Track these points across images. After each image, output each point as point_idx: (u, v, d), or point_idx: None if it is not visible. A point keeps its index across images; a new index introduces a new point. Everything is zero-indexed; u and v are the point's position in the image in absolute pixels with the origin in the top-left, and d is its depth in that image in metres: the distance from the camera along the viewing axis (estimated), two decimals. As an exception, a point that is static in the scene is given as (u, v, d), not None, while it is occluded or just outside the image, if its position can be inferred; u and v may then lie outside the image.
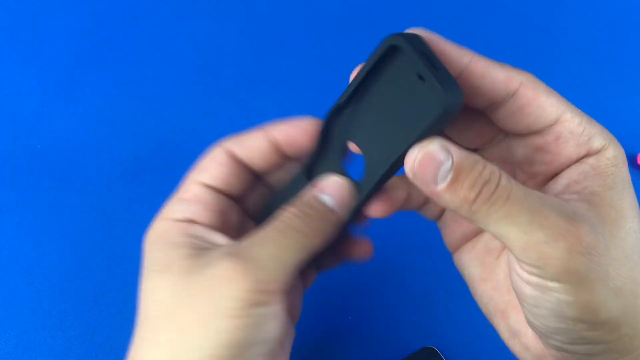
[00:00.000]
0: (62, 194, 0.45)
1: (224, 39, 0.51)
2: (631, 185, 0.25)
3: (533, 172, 0.27)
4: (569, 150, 0.25)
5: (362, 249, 0.30)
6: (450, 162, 0.22)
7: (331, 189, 0.27)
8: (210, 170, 0.28)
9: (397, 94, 0.24)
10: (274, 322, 0.24)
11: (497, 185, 0.22)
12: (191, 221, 0.27)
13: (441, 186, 0.23)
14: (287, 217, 0.26)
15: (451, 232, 0.29)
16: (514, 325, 0.28)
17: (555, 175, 0.26)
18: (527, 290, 0.24)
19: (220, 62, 0.50)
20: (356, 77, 0.25)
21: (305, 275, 0.31)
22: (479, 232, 0.29)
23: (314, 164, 0.28)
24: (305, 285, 0.31)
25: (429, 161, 0.23)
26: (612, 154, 0.25)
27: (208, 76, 0.50)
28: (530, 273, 0.23)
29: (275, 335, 0.25)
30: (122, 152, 0.46)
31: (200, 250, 0.25)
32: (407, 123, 0.24)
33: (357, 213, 0.27)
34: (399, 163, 0.24)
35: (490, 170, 0.22)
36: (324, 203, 0.26)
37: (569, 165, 0.25)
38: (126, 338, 0.30)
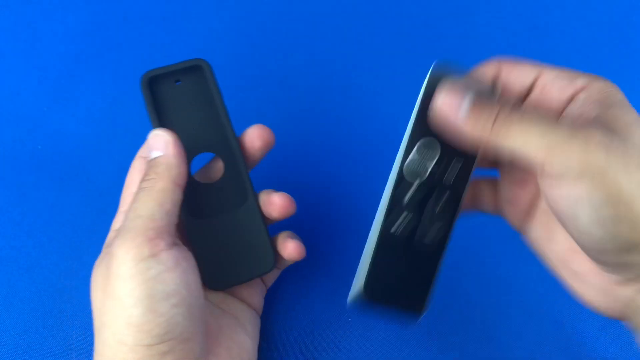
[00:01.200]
0: (63, 194, 0.45)
1: (223, 38, 0.51)
2: (630, 106, 0.26)
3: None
4: (556, 93, 0.27)
5: (292, 249, 0.33)
6: (470, 96, 0.25)
7: (152, 144, 0.31)
8: (137, 182, 0.32)
9: None
10: (172, 272, 0.27)
11: (512, 108, 0.25)
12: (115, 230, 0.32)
13: (464, 113, 0.25)
14: (140, 186, 0.30)
15: (513, 214, 0.31)
16: (576, 268, 0.28)
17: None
18: (563, 206, 0.24)
19: (221, 62, 0.50)
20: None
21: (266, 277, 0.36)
22: (533, 203, 0.30)
23: None
24: (265, 284, 0.36)
25: (453, 95, 0.26)
26: (600, 84, 0.26)
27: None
28: (558, 179, 0.24)
29: (178, 284, 0.27)
30: (122, 152, 0.46)
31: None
32: None
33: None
34: None
35: (504, 100, 0.25)
36: (152, 157, 0.31)
37: (563, 109, 0.27)
38: None
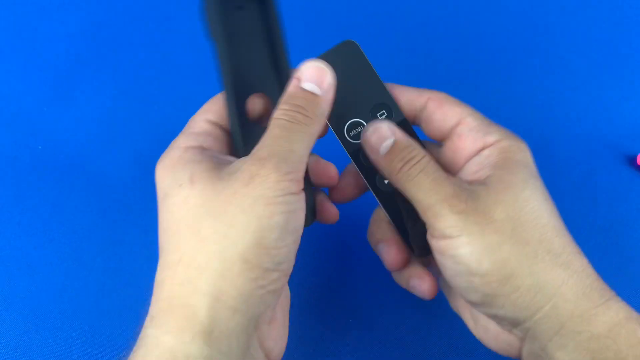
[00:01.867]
0: (63, 194, 0.45)
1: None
2: (527, 166, 0.30)
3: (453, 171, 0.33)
4: (468, 144, 0.31)
5: (331, 212, 0.34)
6: (392, 139, 0.31)
7: (309, 74, 0.30)
8: (214, 110, 0.32)
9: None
10: (301, 213, 0.29)
11: (418, 162, 0.30)
12: (204, 148, 0.30)
13: (382, 153, 0.31)
14: (283, 114, 0.29)
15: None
16: (474, 313, 0.32)
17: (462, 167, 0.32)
18: (437, 258, 0.29)
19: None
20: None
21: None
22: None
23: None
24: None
25: (380, 134, 0.31)
26: (506, 144, 0.30)
27: (208, 75, 0.50)
28: (432, 236, 0.29)
29: (302, 225, 0.29)
30: (122, 153, 0.46)
31: (222, 165, 0.29)
32: None
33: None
34: None
35: (417, 152, 0.30)
36: (308, 90, 0.30)
37: (470, 158, 0.31)
38: (127, 339, 0.30)
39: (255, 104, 0.33)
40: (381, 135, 0.31)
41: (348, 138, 0.33)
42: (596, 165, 0.46)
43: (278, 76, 0.33)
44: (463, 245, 0.28)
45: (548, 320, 0.27)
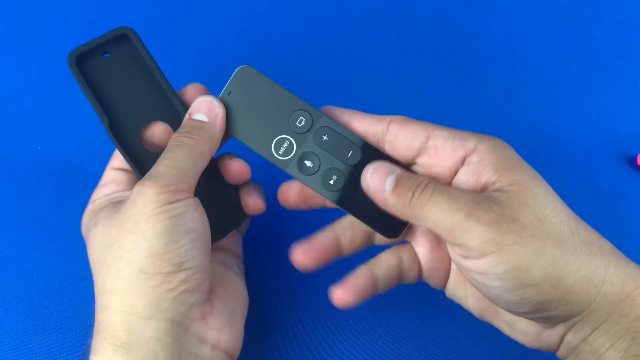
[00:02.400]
0: (63, 195, 0.45)
1: (223, 37, 0.51)
2: (522, 161, 0.30)
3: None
4: (448, 155, 0.31)
5: (250, 205, 0.35)
6: (395, 174, 0.30)
7: (199, 107, 0.33)
8: (116, 157, 0.36)
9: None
10: (194, 213, 0.30)
11: (426, 186, 0.29)
12: (107, 195, 0.34)
13: (388, 191, 0.30)
14: (173, 139, 0.32)
15: (433, 280, 0.35)
16: (507, 318, 0.32)
17: (450, 180, 0.31)
18: (475, 277, 0.28)
19: (220, 61, 0.50)
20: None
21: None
22: (449, 268, 0.34)
23: None
24: (240, 232, 0.39)
25: (380, 173, 0.30)
26: (489, 145, 0.30)
27: (208, 75, 0.50)
28: (464, 257, 0.28)
29: (197, 223, 0.30)
30: (122, 153, 0.46)
31: (117, 203, 0.32)
32: None
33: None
34: None
35: (422, 177, 0.30)
36: (198, 119, 0.32)
37: (456, 169, 0.31)
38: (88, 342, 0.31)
39: (154, 133, 0.35)
40: (381, 174, 0.30)
41: (280, 157, 0.33)
42: (596, 165, 0.46)
43: (169, 103, 0.34)
44: (506, 260, 0.26)
45: (599, 309, 0.27)
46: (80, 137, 0.47)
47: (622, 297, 0.27)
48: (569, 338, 0.29)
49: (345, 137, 0.33)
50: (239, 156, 0.35)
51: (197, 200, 0.31)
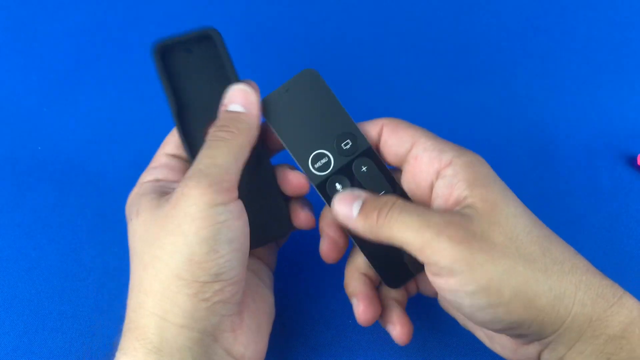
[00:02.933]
0: (63, 195, 0.45)
1: (225, 37, 0.51)
2: (496, 178, 0.29)
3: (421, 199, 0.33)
4: (425, 166, 0.31)
5: (303, 219, 0.35)
6: (361, 199, 0.30)
7: (233, 97, 0.32)
8: (172, 142, 0.35)
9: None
10: (236, 221, 0.29)
11: (393, 205, 0.29)
12: (157, 180, 0.33)
13: (355, 214, 0.30)
14: (211, 134, 0.31)
15: (426, 291, 0.36)
16: (488, 332, 0.32)
17: (430, 191, 0.31)
18: (447, 294, 0.28)
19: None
20: None
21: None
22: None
23: None
24: (277, 243, 0.38)
25: (346, 200, 0.31)
26: (465, 160, 0.30)
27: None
28: (435, 275, 0.27)
29: (240, 232, 0.29)
30: (122, 153, 0.46)
31: (163, 193, 0.31)
32: None
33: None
34: None
35: (387, 198, 0.30)
36: (234, 110, 0.32)
37: (431, 181, 0.31)
38: (117, 338, 0.31)
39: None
40: (347, 200, 0.31)
41: (313, 170, 0.33)
42: (596, 165, 0.46)
43: None
44: (477, 279, 0.26)
45: (570, 330, 0.27)
46: (80, 137, 0.47)
47: (593, 318, 0.26)
48: (545, 356, 0.29)
49: (383, 177, 0.33)
50: (296, 169, 0.35)
51: (240, 204, 0.30)
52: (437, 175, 0.31)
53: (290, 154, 0.33)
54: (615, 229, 0.44)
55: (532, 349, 0.29)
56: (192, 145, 0.34)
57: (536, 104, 0.49)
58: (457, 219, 0.27)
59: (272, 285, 0.36)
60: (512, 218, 0.28)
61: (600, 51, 0.52)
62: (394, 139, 0.32)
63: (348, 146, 0.33)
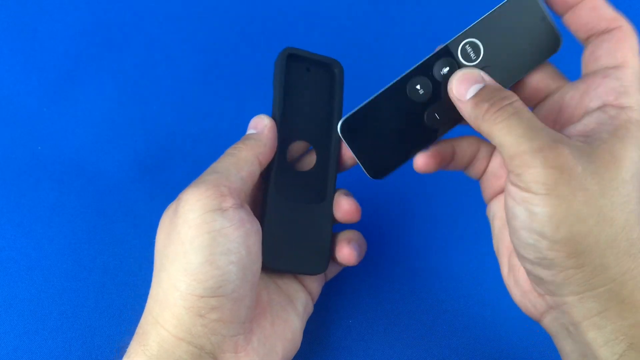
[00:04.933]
0: (63, 195, 0.44)
1: (224, 38, 0.51)
2: None
3: (570, 114, 0.30)
4: (600, 90, 0.28)
5: (345, 255, 0.34)
6: (481, 85, 0.29)
7: (251, 123, 0.34)
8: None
9: None
10: (235, 230, 0.28)
11: (509, 104, 0.27)
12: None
13: (469, 96, 0.28)
14: (225, 152, 0.32)
15: (489, 187, 0.34)
16: (513, 261, 0.31)
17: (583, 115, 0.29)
18: (509, 202, 0.27)
19: (222, 62, 0.50)
20: None
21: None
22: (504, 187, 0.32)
23: None
24: (326, 275, 0.37)
25: (469, 78, 0.29)
26: (634, 115, 0.27)
27: (209, 76, 0.50)
28: (512, 183, 0.27)
29: (239, 243, 0.28)
30: (122, 153, 0.46)
31: None
32: None
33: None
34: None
35: (509, 93, 0.28)
36: (248, 134, 0.33)
37: (592, 109, 0.28)
38: (127, 340, 0.30)
39: (294, 148, 0.35)
40: (467, 81, 0.29)
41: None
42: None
43: (327, 131, 0.35)
44: (547, 205, 0.25)
45: (594, 301, 0.26)
46: (80, 137, 0.47)
47: (627, 301, 0.26)
48: (550, 317, 0.29)
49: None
50: (352, 195, 0.35)
51: (243, 214, 0.29)
52: (600, 109, 0.28)
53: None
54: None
55: (543, 302, 0.29)
56: (279, 156, 0.35)
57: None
58: (565, 148, 0.25)
59: (305, 314, 0.35)
60: (620, 182, 0.26)
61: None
62: (608, 47, 0.29)
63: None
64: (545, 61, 0.32)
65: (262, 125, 0.33)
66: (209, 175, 0.29)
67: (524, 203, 0.26)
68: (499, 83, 0.30)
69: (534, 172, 0.25)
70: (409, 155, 0.32)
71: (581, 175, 0.25)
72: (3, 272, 0.42)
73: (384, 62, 0.50)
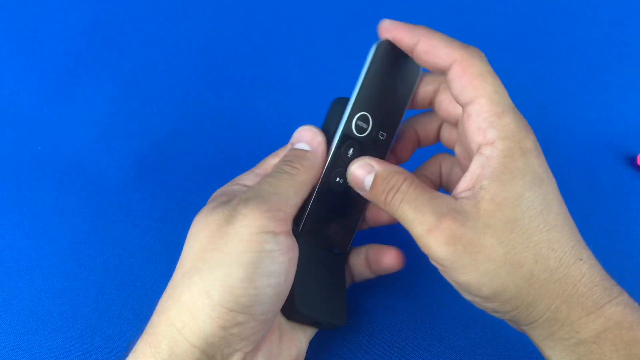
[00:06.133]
0: (63, 195, 0.45)
1: (225, 38, 0.51)
2: (528, 175, 0.28)
3: (461, 161, 0.34)
4: (471, 132, 0.29)
5: (391, 258, 0.35)
6: (372, 175, 0.31)
7: (303, 136, 0.33)
8: (282, 156, 0.34)
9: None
10: (281, 255, 0.29)
11: (398, 190, 0.29)
12: (245, 185, 0.33)
13: (367, 189, 0.31)
14: (276, 167, 0.32)
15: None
16: None
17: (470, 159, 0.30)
18: (440, 272, 0.29)
19: (222, 62, 0.50)
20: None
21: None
22: None
23: None
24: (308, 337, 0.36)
25: (360, 172, 0.32)
26: (505, 146, 0.28)
27: (209, 76, 0.50)
28: (430, 259, 0.29)
29: (282, 268, 0.29)
30: (122, 153, 0.46)
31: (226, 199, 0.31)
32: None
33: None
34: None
35: (396, 178, 0.30)
36: (299, 148, 0.33)
37: (475, 150, 0.29)
38: (126, 339, 0.30)
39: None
40: (361, 173, 0.32)
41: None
42: (596, 165, 0.46)
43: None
44: (460, 275, 0.28)
45: (540, 329, 0.28)
46: (80, 137, 0.47)
47: (565, 323, 0.28)
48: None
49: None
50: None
51: (291, 242, 0.30)
52: (478, 153, 0.29)
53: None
54: (614, 229, 0.44)
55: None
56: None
57: (536, 103, 0.49)
58: (448, 221, 0.27)
59: (311, 335, 0.35)
60: (512, 223, 0.27)
61: (600, 51, 0.52)
62: (459, 85, 0.29)
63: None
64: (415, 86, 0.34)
65: (316, 142, 0.33)
66: (270, 195, 0.30)
67: (446, 275, 0.29)
68: (391, 125, 0.34)
69: (434, 252, 0.28)
70: (356, 225, 0.36)
71: (473, 238, 0.27)
72: (3, 272, 0.42)
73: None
